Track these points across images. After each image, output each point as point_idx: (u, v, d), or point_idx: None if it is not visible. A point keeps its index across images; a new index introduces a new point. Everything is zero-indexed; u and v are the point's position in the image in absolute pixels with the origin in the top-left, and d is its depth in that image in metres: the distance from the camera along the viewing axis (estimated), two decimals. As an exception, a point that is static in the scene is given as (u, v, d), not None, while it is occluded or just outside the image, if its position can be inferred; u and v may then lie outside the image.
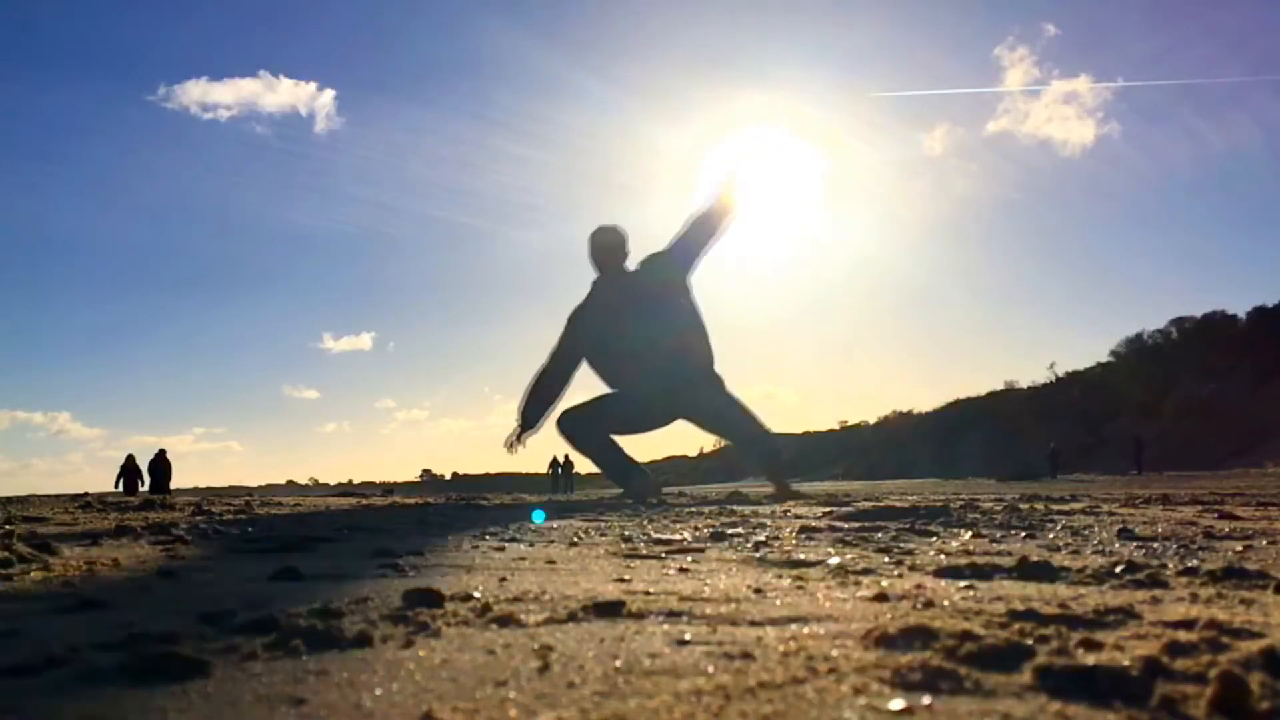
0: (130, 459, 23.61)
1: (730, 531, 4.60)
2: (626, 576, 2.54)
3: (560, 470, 33.93)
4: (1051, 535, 4.25)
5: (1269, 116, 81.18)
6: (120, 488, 22.59)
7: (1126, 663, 1.25)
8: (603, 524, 5.65)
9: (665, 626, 1.66)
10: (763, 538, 4.17)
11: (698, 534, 4.51)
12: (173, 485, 23.08)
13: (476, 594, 2.03)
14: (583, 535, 4.61)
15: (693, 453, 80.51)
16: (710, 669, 1.30)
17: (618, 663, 1.35)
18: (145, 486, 22.70)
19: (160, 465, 23.33)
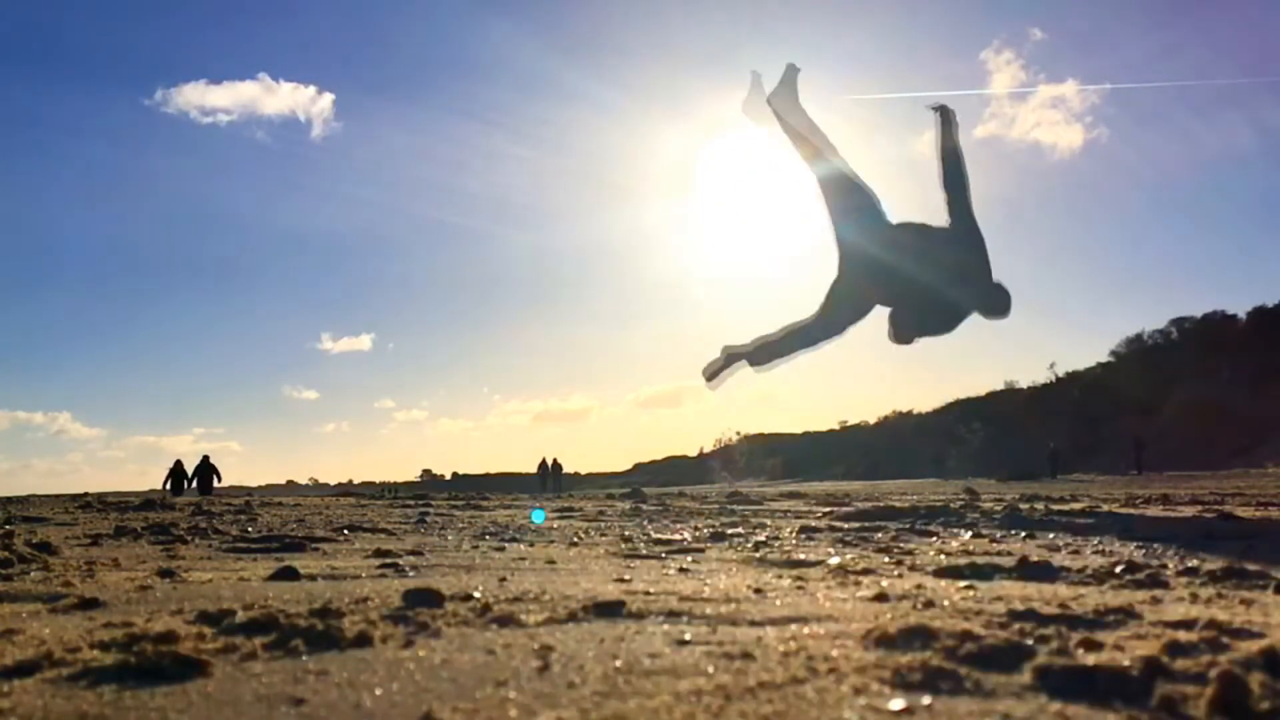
0: (178, 463, 24.95)
1: (730, 531, 4.61)
2: (626, 576, 2.54)
3: (549, 471, 33.90)
4: (1051, 535, 4.25)
5: (1265, 118, 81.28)
6: (168, 489, 23.51)
7: (1126, 663, 1.25)
8: (602, 524, 5.66)
9: (665, 626, 1.66)
10: (763, 538, 4.17)
11: (698, 534, 4.51)
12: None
13: (476, 594, 2.03)
14: (583, 535, 4.61)
15: (693, 453, 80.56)
16: (710, 669, 1.30)
17: (618, 663, 1.35)
18: (192, 487, 23.68)
19: (205, 469, 24.40)
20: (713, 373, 9.18)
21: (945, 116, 8.24)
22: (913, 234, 8.02)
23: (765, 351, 8.95)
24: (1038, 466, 34.66)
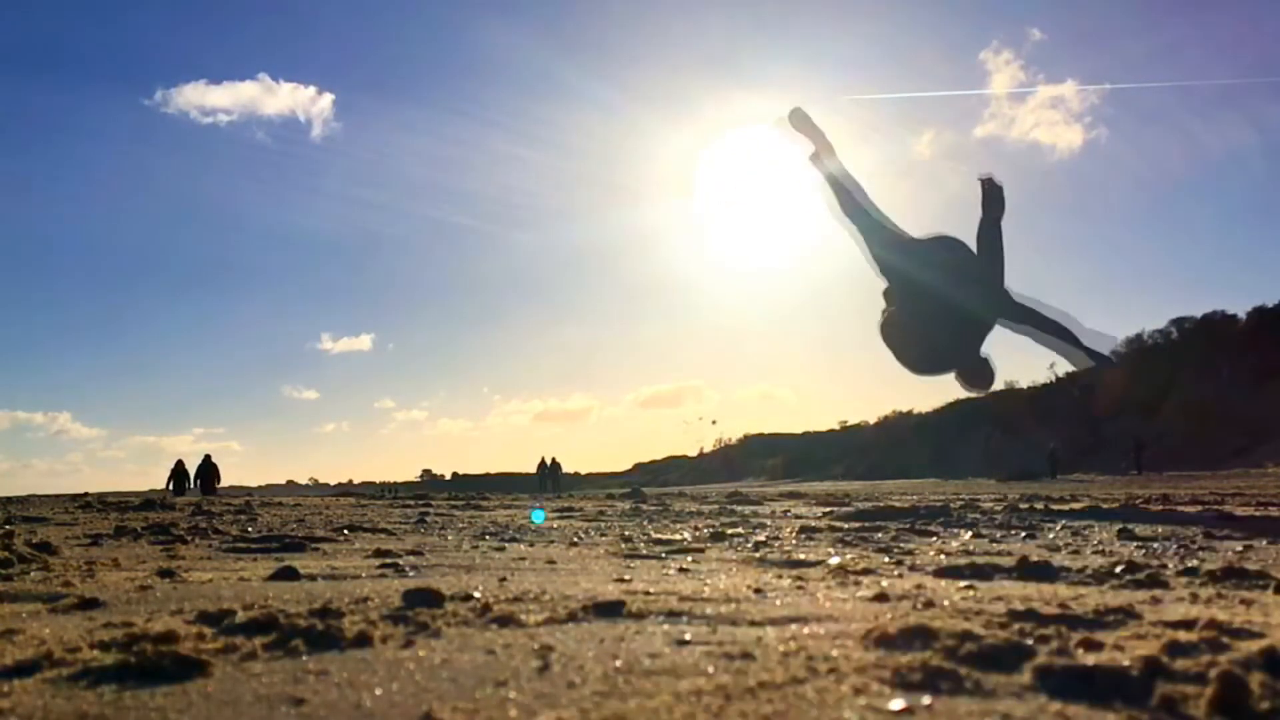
0: (180, 463, 25.35)
1: (730, 531, 4.61)
2: (626, 576, 2.54)
3: (549, 471, 33.88)
4: (1051, 535, 4.25)
5: (1265, 118, 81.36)
6: (170, 488, 23.69)
7: (1126, 663, 1.25)
8: (602, 524, 5.66)
9: (665, 626, 1.66)
10: (763, 538, 4.17)
11: (698, 534, 4.51)
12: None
13: (476, 594, 2.03)
14: (583, 535, 4.61)
15: (693, 453, 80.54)
16: (710, 669, 1.30)
17: (618, 663, 1.35)
18: (193, 487, 23.88)
19: (207, 469, 24.71)
20: (800, 123, 8.41)
21: (990, 191, 8.10)
22: (949, 259, 7.84)
23: (839, 183, 8.14)
24: (1038, 466, 34.64)
